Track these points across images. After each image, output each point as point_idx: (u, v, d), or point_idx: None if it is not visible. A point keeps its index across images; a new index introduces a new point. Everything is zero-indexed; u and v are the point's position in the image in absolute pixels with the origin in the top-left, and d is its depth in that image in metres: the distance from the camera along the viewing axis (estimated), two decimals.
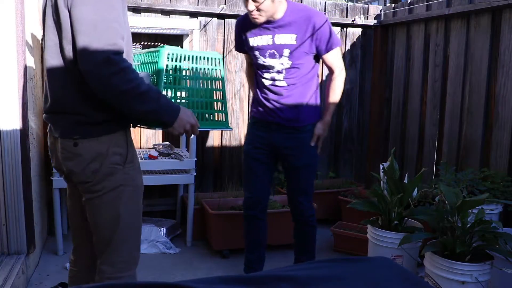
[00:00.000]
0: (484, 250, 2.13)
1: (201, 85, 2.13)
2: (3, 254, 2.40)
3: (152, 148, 3.33)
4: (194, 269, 2.82)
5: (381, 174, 2.66)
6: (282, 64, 2.28)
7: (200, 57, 2.13)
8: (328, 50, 2.29)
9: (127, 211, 1.54)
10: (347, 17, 3.85)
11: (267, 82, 2.35)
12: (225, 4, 3.45)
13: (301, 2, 3.68)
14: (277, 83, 2.32)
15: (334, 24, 3.82)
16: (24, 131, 2.37)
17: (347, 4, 3.91)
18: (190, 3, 3.40)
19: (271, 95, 2.34)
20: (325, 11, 3.78)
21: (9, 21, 2.27)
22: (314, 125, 2.39)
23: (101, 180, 1.48)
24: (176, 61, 2.00)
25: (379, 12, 3.91)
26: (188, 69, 2.10)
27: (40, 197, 2.91)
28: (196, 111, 2.04)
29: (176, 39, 3.44)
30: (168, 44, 3.45)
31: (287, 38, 2.25)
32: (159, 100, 1.43)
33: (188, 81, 2.12)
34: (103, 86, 1.34)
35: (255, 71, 2.43)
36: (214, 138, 3.61)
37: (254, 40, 2.32)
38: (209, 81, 2.16)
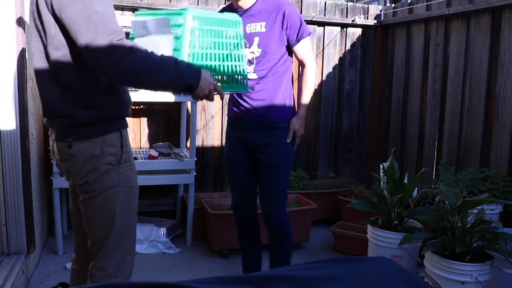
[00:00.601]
0: (484, 250, 2.13)
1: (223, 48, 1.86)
2: (3, 254, 2.40)
3: (152, 148, 3.33)
4: (194, 269, 2.82)
5: (381, 174, 2.66)
6: (252, 52, 2.24)
7: (224, 20, 1.88)
8: (298, 39, 2.24)
9: (122, 212, 1.54)
10: (347, 17, 3.85)
11: None
12: (225, 4, 3.45)
13: (301, 2, 3.68)
14: (249, 75, 2.24)
15: (334, 24, 3.82)
16: (24, 131, 2.37)
17: (347, 4, 3.91)
18: (190, 3, 3.40)
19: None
20: (325, 11, 3.78)
21: (9, 20, 2.27)
22: (289, 123, 2.31)
23: (96, 180, 1.49)
24: (201, 24, 1.74)
25: (379, 12, 3.91)
26: (213, 33, 1.82)
27: (40, 197, 2.90)
28: (215, 75, 1.84)
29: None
30: None
31: (257, 27, 2.24)
32: (178, 65, 1.45)
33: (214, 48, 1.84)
34: (119, 73, 1.35)
35: None
36: (214, 138, 3.61)
37: None
38: (230, 44, 1.90)
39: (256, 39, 2.23)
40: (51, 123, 1.55)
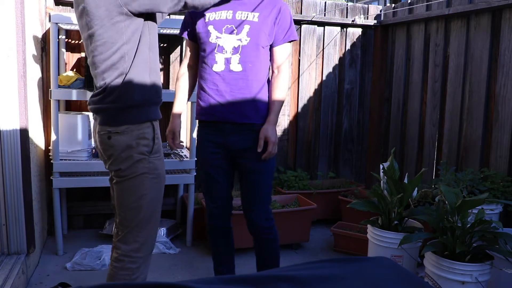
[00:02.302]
0: (484, 250, 2.13)
1: None
2: (3, 254, 2.40)
3: None
4: (194, 269, 2.82)
5: (381, 174, 2.66)
6: (240, 40, 2.07)
7: None
8: (285, 39, 2.13)
9: (149, 196, 1.76)
10: (347, 17, 3.85)
11: (219, 68, 2.09)
12: None
13: (301, 2, 3.68)
14: (231, 66, 2.08)
15: (334, 24, 3.82)
16: (24, 131, 2.37)
17: (347, 4, 3.91)
18: None
19: (222, 86, 2.09)
20: (325, 11, 3.78)
21: (9, 21, 2.27)
22: None
23: (129, 167, 1.72)
24: None
25: (379, 12, 3.91)
26: None
27: (40, 197, 2.90)
28: None
29: (176, 39, 3.44)
30: (168, 44, 3.45)
31: (250, 15, 2.09)
32: None
33: None
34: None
35: (199, 66, 2.19)
36: None
37: (211, 15, 2.12)
38: None
39: (247, 27, 2.08)
40: (99, 109, 1.75)
